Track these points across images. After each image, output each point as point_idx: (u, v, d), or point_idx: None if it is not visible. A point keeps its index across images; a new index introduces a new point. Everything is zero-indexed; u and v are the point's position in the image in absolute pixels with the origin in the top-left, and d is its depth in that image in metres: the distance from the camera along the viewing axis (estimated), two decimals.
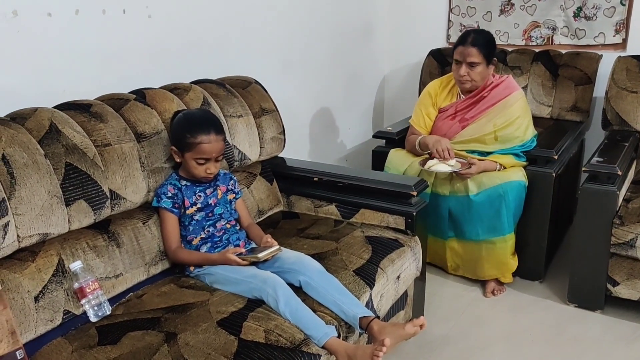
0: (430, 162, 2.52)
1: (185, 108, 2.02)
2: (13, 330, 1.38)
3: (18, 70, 1.81)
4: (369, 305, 1.82)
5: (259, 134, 2.29)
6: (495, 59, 2.61)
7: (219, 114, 2.13)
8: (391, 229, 2.19)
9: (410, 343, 2.05)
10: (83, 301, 1.62)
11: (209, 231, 1.92)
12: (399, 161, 2.68)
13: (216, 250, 1.91)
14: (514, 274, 2.66)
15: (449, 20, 3.55)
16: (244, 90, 2.33)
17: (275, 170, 2.44)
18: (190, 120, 1.88)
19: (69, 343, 1.52)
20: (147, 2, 2.17)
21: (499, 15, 3.39)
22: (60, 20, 1.89)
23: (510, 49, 3.28)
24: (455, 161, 2.52)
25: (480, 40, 2.56)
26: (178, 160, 1.90)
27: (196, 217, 1.91)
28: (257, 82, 2.42)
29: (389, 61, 3.80)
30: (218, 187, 1.98)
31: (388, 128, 3.03)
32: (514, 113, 2.57)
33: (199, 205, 1.91)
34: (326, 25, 3.20)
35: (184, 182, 1.91)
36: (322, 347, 1.58)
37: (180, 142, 1.86)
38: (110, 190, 1.74)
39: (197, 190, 1.92)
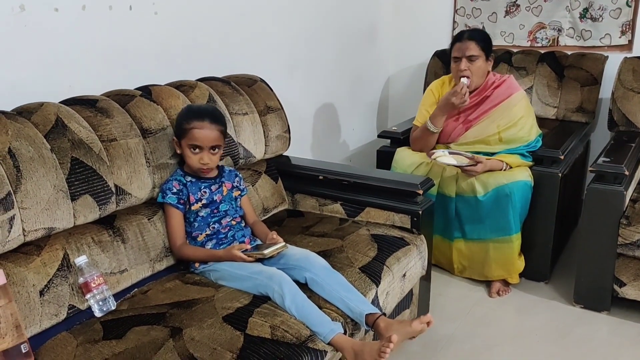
0: (437, 153, 2.51)
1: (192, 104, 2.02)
2: (18, 324, 1.38)
3: (25, 65, 1.81)
4: (375, 302, 1.81)
5: (264, 131, 2.28)
6: (492, 54, 2.61)
7: (225, 111, 2.13)
8: (397, 228, 2.18)
9: (415, 342, 2.04)
10: (88, 296, 1.61)
11: (214, 228, 1.91)
12: (406, 160, 2.67)
13: (221, 246, 1.90)
14: (520, 275, 2.64)
15: (454, 21, 3.55)
16: (249, 88, 2.32)
17: (280, 168, 2.43)
18: (189, 110, 1.91)
19: (74, 337, 1.52)
20: None
21: (504, 17, 3.39)
22: (67, 16, 1.89)
23: (515, 50, 3.28)
24: (463, 157, 2.51)
25: (476, 35, 2.58)
26: (178, 151, 1.90)
27: (201, 214, 1.90)
28: (262, 81, 2.42)
29: (394, 62, 3.80)
30: (223, 184, 1.97)
31: (393, 128, 3.02)
32: (517, 114, 2.57)
33: (204, 202, 1.90)
34: (331, 26, 3.20)
35: (189, 178, 1.90)
36: (328, 344, 1.57)
37: (178, 130, 1.87)
38: (116, 186, 1.73)
39: (202, 186, 1.91)
